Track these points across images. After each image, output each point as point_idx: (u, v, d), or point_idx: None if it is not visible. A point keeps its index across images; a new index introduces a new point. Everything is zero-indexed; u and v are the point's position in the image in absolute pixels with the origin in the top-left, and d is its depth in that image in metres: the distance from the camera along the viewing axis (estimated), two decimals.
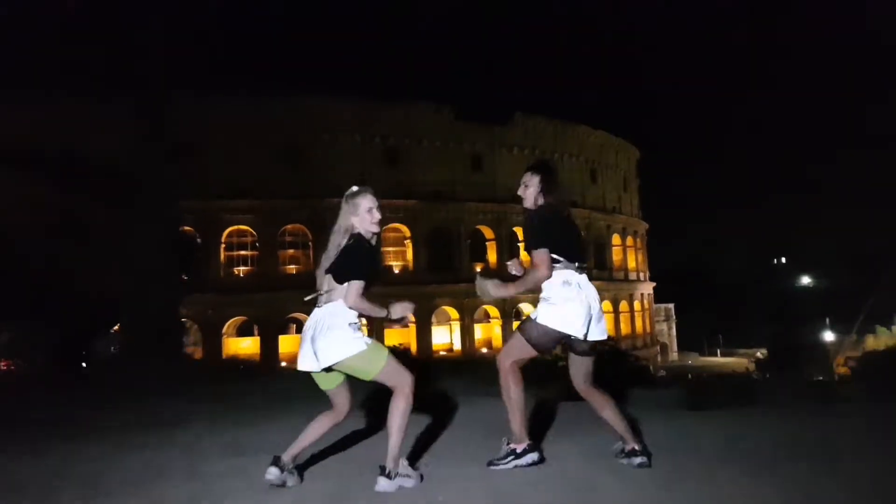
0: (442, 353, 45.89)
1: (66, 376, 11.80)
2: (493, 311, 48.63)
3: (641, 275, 62.60)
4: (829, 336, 68.60)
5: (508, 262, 4.62)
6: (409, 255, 46.00)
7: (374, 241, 4.14)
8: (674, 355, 76.81)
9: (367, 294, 3.87)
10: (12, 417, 7.67)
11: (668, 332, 77.17)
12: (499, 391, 4.18)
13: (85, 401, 8.60)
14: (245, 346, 43.43)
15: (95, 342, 16.55)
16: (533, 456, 4.13)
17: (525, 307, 46.10)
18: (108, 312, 15.82)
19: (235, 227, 42.37)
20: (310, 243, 42.75)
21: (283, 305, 39.84)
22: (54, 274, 14.33)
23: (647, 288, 63.63)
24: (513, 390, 4.04)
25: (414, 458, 4.40)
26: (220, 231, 41.72)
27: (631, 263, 60.77)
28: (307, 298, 4.07)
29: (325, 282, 3.94)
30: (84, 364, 15.05)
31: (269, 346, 41.00)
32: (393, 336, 45.97)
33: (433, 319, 46.43)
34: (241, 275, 42.98)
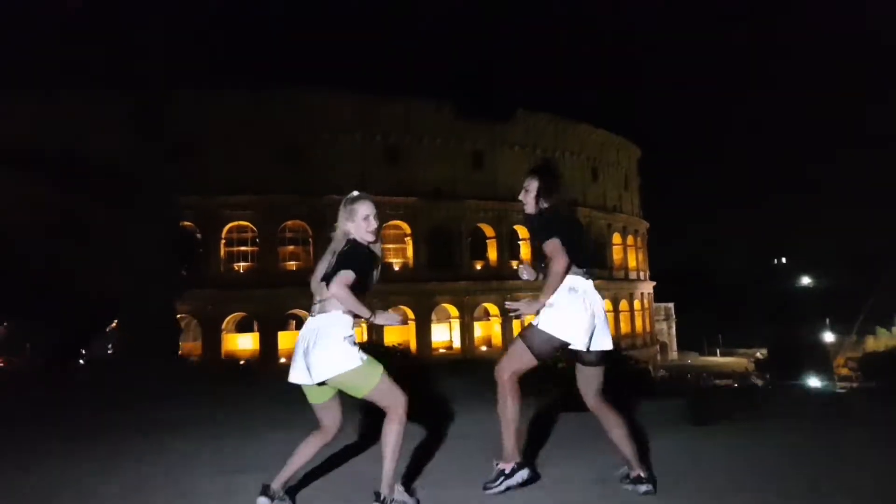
0: (441, 350, 45.90)
1: (62, 376, 11.79)
2: (493, 309, 48.60)
3: (641, 274, 62.57)
4: (829, 336, 68.59)
5: (519, 266, 4.52)
6: (410, 252, 45.97)
7: (377, 249, 4.02)
8: (673, 354, 76.80)
9: (357, 296, 3.68)
10: (9, 419, 7.64)
11: (668, 331, 77.15)
12: (496, 399, 4.08)
13: (81, 403, 8.57)
14: (244, 343, 43.41)
15: (92, 342, 16.54)
16: (523, 474, 4.01)
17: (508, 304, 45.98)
18: (107, 312, 15.82)
19: (235, 222, 42.36)
20: (310, 239, 42.74)
21: (283, 301, 39.86)
22: (53, 273, 14.32)
23: (647, 287, 63.60)
24: (509, 406, 3.91)
25: (409, 478, 4.32)
26: (220, 227, 41.70)
27: (631, 262, 60.73)
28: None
29: (319, 290, 3.82)
30: (81, 362, 15.06)
31: (269, 343, 41.01)
32: (393, 333, 46.03)
33: (433, 317, 46.42)
34: (241, 271, 42.97)
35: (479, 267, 48.58)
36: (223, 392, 9.28)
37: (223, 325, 41.81)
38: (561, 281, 3.91)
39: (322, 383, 3.67)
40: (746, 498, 3.96)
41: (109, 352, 16.45)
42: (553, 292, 3.89)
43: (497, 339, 48.45)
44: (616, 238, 58.27)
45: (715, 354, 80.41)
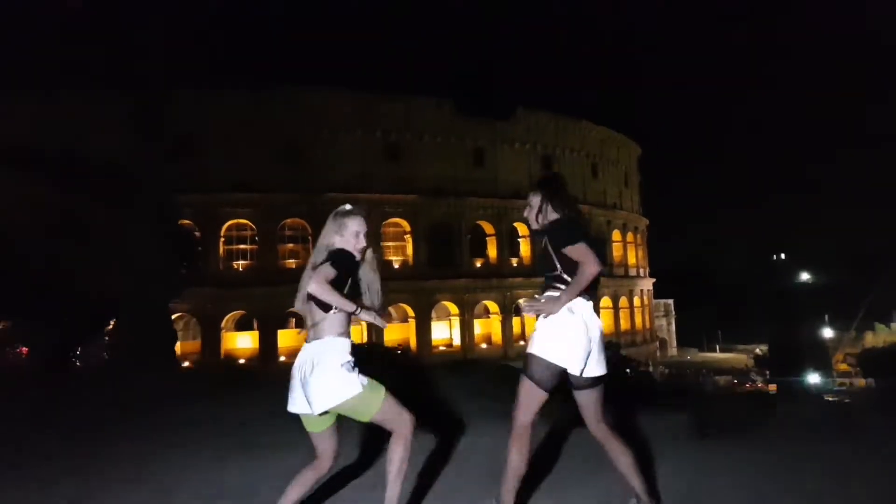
0: (441, 348, 45.89)
1: (56, 380, 11.71)
2: (493, 306, 48.60)
3: (641, 271, 62.57)
4: (828, 333, 68.71)
5: (524, 305, 4.37)
6: (410, 250, 45.90)
7: (372, 266, 3.84)
8: (673, 351, 76.88)
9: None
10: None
11: (668, 327, 77.23)
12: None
13: (73, 415, 8.38)
14: (244, 342, 43.35)
15: (88, 344, 16.47)
16: None
17: (524, 308, 46.03)
18: (106, 312, 15.75)
19: (235, 220, 42.27)
20: (309, 238, 42.62)
21: (283, 300, 39.57)
22: (52, 273, 14.24)
23: (647, 284, 63.61)
24: (514, 456, 3.69)
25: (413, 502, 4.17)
26: (219, 225, 41.61)
27: (631, 259, 60.72)
28: (301, 333, 3.75)
29: (309, 312, 3.59)
30: (77, 364, 15.01)
31: (268, 341, 40.96)
32: (393, 332, 46.00)
33: (433, 314, 46.38)
34: (241, 269, 42.88)
35: (479, 264, 48.53)
36: (220, 405, 8.95)
37: (222, 324, 41.73)
38: (587, 283, 3.73)
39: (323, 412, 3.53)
40: None
41: (105, 355, 16.34)
42: (576, 294, 3.70)
43: (497, 337, 48.45)
44: (616, 235, 58.25)
45: (714, 351, 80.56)
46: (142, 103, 14.33)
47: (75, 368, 14.72)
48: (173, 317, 37.81)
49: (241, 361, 41.25)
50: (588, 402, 3.81)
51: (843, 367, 60.76)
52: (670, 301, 76.83)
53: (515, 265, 49.90)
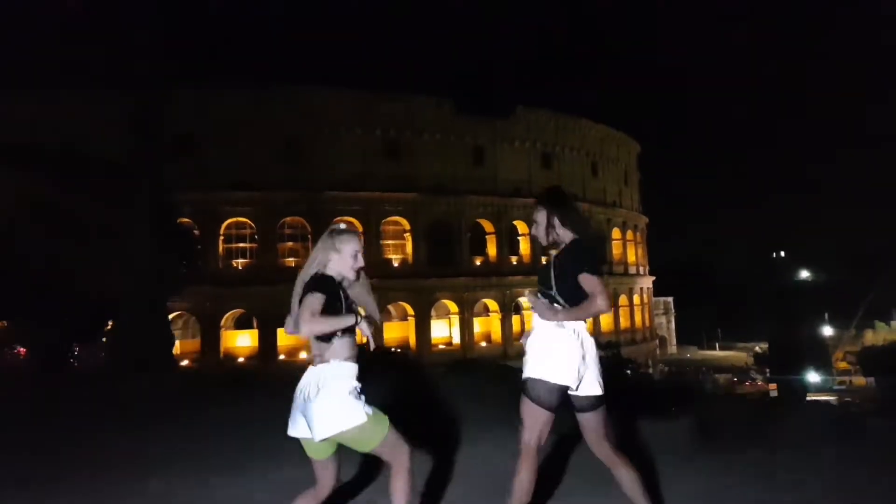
0: (441, 346, 45.86)
1: (53, 382, 11.66)
2: (493, 304, 48.56)
3: (641, 269, 62.54)
4: (827, 331, 68.79)
5: (527, 298, 4.20)
6: (409, 248, 45.83)
7: (364, 285, 3.69)
8: (672, 348, 76.93)
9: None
10: None
11: (668, 325, 77.30)
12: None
13: (68, 423, 8.27)
14: (243, 341, 43.30)
15: (86, 345, 16.42)
16: None
17: (525, 301, 46.00)
18: (104, 313, 15.69)
19: (234, 219, 42.18)
20: (308, 236, 42.57)
21: (282, 298, 38.40)
22: (51, 273, 14.19)
23: (647, 282, 63.58)
24: (524, 476, 3.60)
25: None
26: (219, 223, 41.53)
27: (631, 257, 60.69)
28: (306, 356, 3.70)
29: (312, 342, 3.48)
30: (74, 364, 14.96)
31: (268, 340, 40.90)
32: (392, 329, 45.98)
33: (432, 313, 46.34)
34: (240, 267, 42.82)
35: (478, 263, 48.48)
36: (219, 414, 8.78)
37: (222, 322, 41.66)
38: (589, 317, 3.68)
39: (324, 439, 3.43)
40: None
41: (102, 356, 16.26)
42: (574, 319, 3.64)
43: (497, 336, 48.41)
44: (616, 233, 58.22)
45: (714, 349, 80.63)
46: (141, 103, 14.26)
47: (72, 369, 14.67)
48: (172, 315, 37.87)
49: (241, 360, 41.24)
50: (590, 423, 3.74)
51: (843, 365, 60.81)
52: (670, 299, 76.88)
53: (515, 263, 49.87)
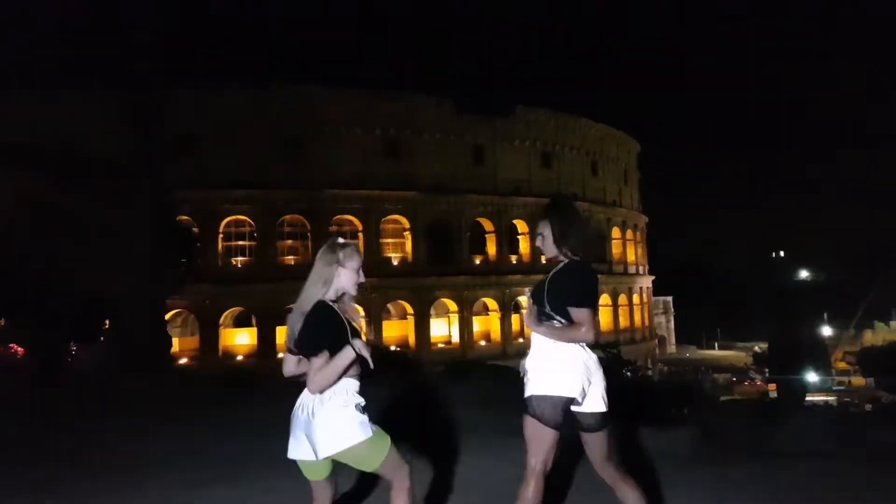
0: (440, 345, 45.82)
1: (50, 384, 11.61)
2: (492, 303, 48.52)
3: (641, 268, 62.49)
4: (827, 331, 68.81)
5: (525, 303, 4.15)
6: (409, 247, 45.77)
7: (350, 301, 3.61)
8: (672, 348, 76.97)
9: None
10: None
11: (667, 324, 77.31)
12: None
13: (67, 423, 8.21)
14: (242, 339, 43.23)
15: (84, 345, 16.34)
16: None
17: (525, 300, 45.94)
18: (103, 312, 15.64)
19: (234, 217, 42.09)
20: (308, 234, 42.55)
21: (281, 296, 39.53)
22: (50, 272, 14.14)
23: (647, 281, 63.54)
24: (532, 495, 3.50)
25: None
26: (218, 221, 41.45)
27: (630, 257, 60.63)
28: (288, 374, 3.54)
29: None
30: (72, 364, 14.89)
31: (267, 338, 40.83)
32: (392, 328, 45.94)
33: (432, 312, 46.29)
34: (239, 265, 42.74)
35: (478, 262, 48.42)
36: (218, 417, 8.70)
37: (221, 321, 41.60)
38: (568, 342, 3.56)
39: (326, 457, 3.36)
40: None
41: (100, 356, 16.19)
42: (552, 338, 3.54)
43: (496, 335, 48.37)
44: (615, 232, 58.15)
45: (713, 348, 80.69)
46: (141, 102, 14.21)
47: (71, 369, 14.61)
48: (172, 313, 37.89)
49: (240, 358, 41.18)
50: (595, 443, 3.66)
51: (842, 365, 60.82)
52: (669, 298, 76.90)
53: (514, 262, 49.82)
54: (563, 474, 5.09)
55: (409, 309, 45.14)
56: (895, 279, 68.12)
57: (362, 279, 3.53)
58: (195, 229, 37.58)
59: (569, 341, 3.57)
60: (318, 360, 3.26)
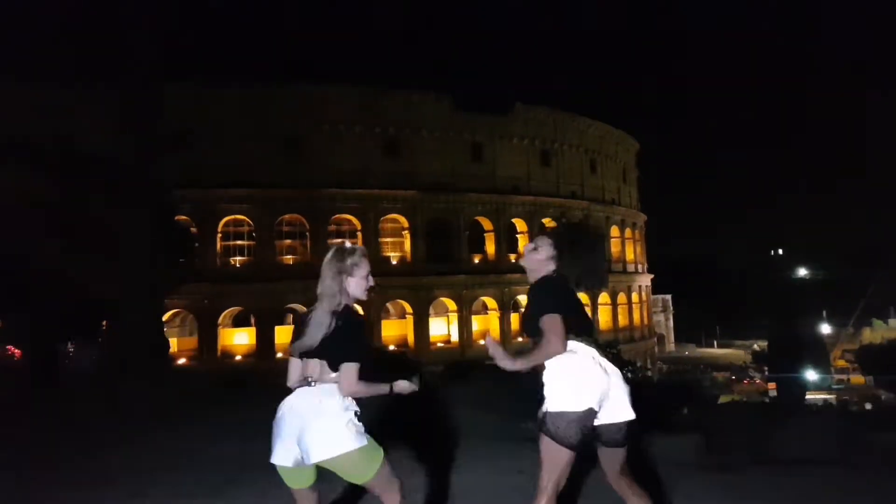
0: (439, 344, 45.77)
1: (48, 384, 11.55)
2: (491, 302, 48.47)
3: (640, 266, 62.47)
4: (826, 329, 68.80)
5: (485, 340, 3.87)
6: (408, 245, 45.72)
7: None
8: (671, 346, 76.95)
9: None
10: None
11: (666, 323, 77.27)
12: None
13: (67, 423, 8.15)
14: (241, 339, 43.15)
15: (81, 346, 16.28)
16: None
17: (524, 299, 45.89)
18: (100, 313, 15.57)
19: (232, 216, 41.99)
20: (307, 233, 42.49)
21: (280, 296, 39.62)
22: (48, 272, 14.07)
23: (645, 280, 63.51)
24: None
25: None
26: (216, 220, 41.33)
27: (629, 255, 60.59)
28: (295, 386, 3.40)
29: (318, 366, 3.33)
30: (69, 365, 14.83)
31: (266, 338, 40.78)
32: (390, 328, 45.89)
33: (431, 311, 46.24)
34: (238, 265, 42.66)
35: (477, 260, 48.37)
36: (217, 420, 8.62)
37: (219, 320, 41.50)
38: (545, 359, 3.45)
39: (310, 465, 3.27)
40: None
41: (97, 357, 16.13)
42: (531, 365, 3.46)
43: (495, 334, 48.29)
44: (614, 231, 58.13)
45: (712, 346, 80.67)
46: (140, 101, 14.13)
47: (68, 370, 14.56)
48: (170, 313, 37.82)
49: (238, 358, 41.11)
50: (613, 458, 3.55)
51: (841, 363, 60.81)
52: (668, 296, 76.88)
53: (514, 261, 49.70)
54: (570, 481, 5.02)
55: (408, 308, 45.09)
56: (894, 277, 68.18)
57: (372, 283, 3.48)
58: (193, 229, 37.53)
59: (542, 360, 3.46)
60: (354, 368, 3.23)
